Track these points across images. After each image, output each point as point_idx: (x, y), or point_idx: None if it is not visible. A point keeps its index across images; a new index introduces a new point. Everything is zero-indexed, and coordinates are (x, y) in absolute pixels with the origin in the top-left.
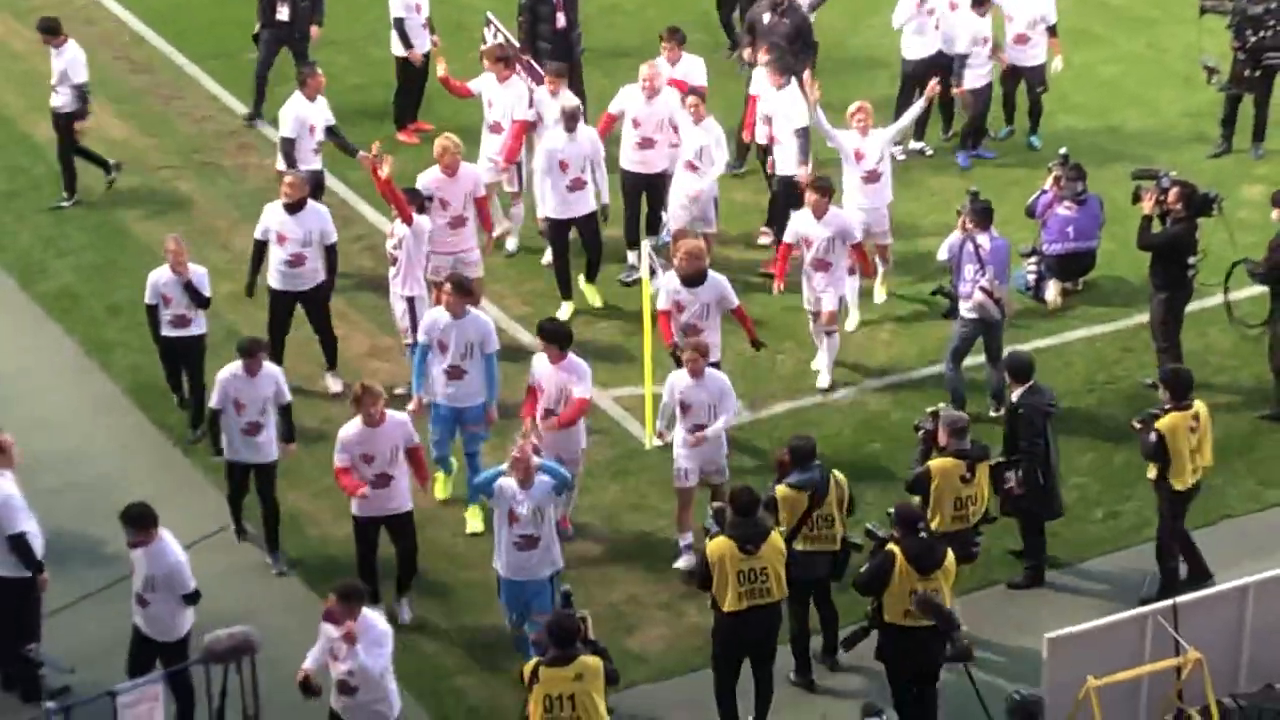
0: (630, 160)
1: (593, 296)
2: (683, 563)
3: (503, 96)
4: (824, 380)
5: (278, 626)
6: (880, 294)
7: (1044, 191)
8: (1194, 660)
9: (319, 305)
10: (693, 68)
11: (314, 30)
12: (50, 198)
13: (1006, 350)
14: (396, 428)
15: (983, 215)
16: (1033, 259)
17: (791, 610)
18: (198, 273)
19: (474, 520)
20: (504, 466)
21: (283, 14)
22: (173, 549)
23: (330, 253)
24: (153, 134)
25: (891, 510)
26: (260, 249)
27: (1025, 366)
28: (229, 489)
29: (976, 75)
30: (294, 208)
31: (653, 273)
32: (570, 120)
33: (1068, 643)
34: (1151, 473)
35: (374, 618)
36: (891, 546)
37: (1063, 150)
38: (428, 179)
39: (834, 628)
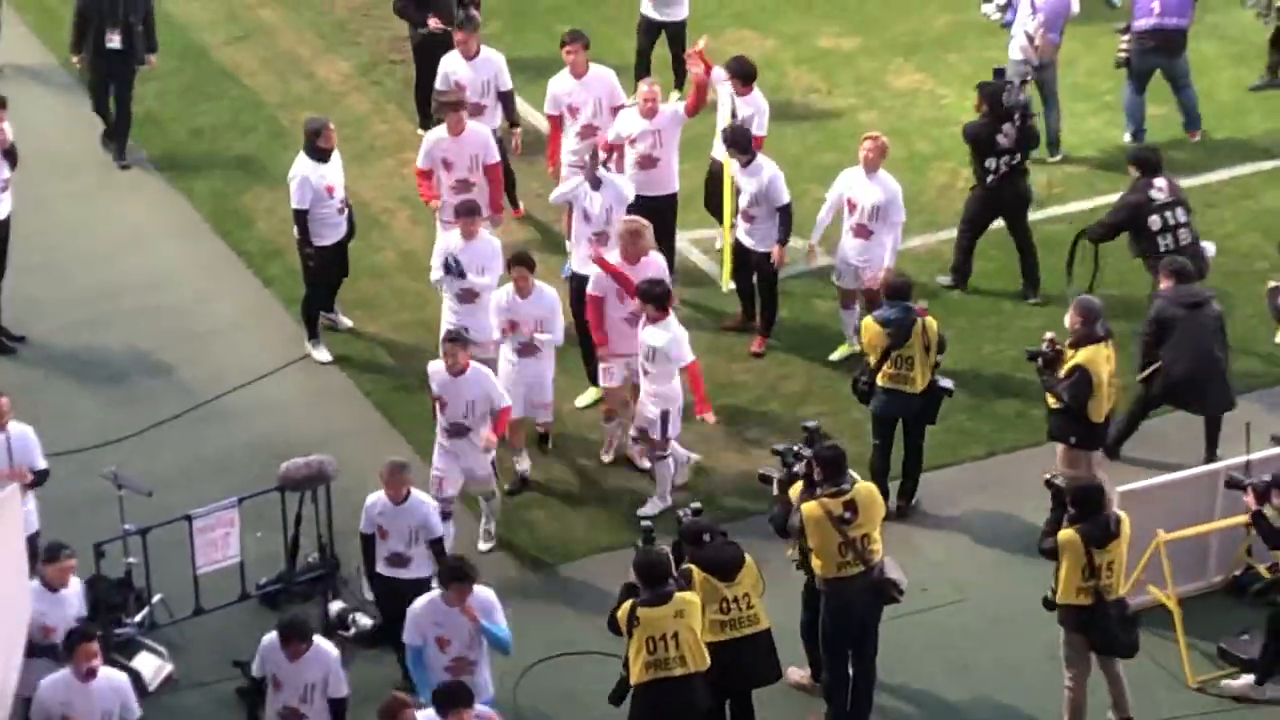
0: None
1: None
2: None
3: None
4: None
5: (353, 455)
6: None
7: None
8: None
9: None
10: None
11: None
12: None
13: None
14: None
15: None
16: (1125, 37)
17: (875, 447)
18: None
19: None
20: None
21: None
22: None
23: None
24: None
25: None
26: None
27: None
28: None
29: None
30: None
31: None
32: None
33: (1139, 497)
34: None
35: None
36: (806, 503)
37: None
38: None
39: (914, 475)
